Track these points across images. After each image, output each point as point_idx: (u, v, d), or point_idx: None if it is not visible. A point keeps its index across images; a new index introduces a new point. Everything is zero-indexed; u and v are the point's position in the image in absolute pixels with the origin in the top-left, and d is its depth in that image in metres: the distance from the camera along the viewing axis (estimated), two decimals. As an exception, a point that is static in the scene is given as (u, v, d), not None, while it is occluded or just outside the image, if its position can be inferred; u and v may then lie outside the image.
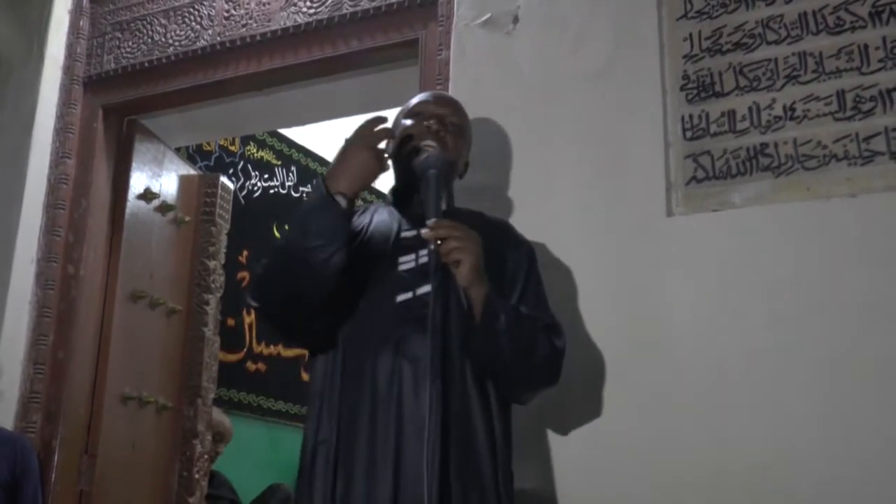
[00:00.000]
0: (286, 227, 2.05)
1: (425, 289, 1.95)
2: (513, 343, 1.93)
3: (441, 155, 2.06)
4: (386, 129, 2.04)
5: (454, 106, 2.27)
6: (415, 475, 1.80)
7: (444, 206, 1.97)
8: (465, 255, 1.86)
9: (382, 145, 2.02)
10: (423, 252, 1.99)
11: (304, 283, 1.94)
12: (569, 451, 2.41)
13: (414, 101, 2.27)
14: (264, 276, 2.03)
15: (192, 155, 5.12)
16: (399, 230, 2.11)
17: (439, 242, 1.86)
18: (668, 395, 2.34)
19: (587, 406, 2.41)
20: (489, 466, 1.93)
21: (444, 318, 1.93)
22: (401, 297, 1.99)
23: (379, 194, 6.72)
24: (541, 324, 2.04)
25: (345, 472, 1.89)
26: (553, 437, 2.42)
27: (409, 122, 2.19)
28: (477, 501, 1.88)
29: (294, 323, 2.05)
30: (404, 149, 2.13)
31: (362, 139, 2.00)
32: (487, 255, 1.94)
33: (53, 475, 3.32)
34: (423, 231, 1.88)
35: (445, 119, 2.18)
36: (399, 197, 2.21)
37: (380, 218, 2.17)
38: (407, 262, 2.04)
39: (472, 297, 1.91)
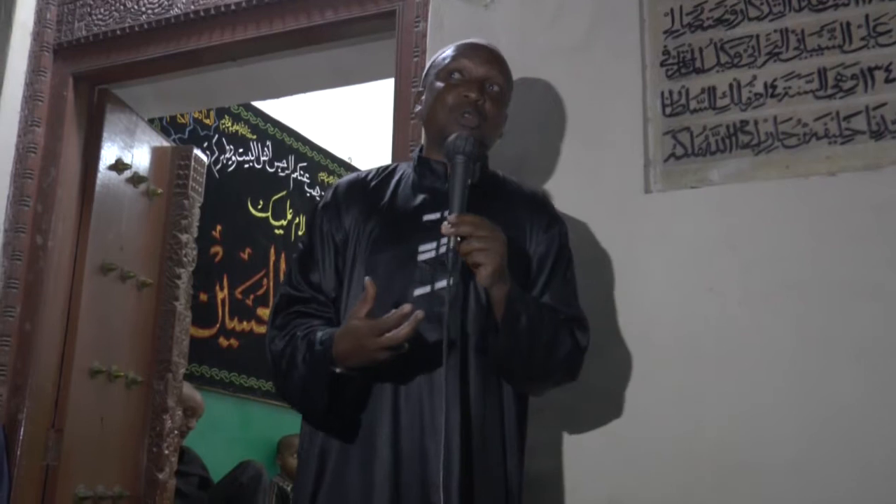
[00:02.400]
0: (290, 364, 1.87)
1: (442, 283, 1.82)
2: (533, 342, 1.82)
3: (472, 136, 1.86)
4: (403, 333, 1.69)
5: (498, 63, 2.04)
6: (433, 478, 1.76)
7: (471, 181, 1.80)
8: (488, 257, 1.71)
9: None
10: (445, 241, 1.79)
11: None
12: (540, 429, 2.38)
13: (451, 52, 2.05)
14: (275, 381, 1.94)
15: (165, 127, 5.06)
16: (421, 211, 1.95)
17: (459, 239, 1.71)
18: (642, 373, 2.32)
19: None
20: (500, 463, 1.87)
21: (462, 317, 1.84)
22: (418, 292, 1.85)
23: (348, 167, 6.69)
24: (563, 317, 1.92)
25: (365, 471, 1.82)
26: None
27: (441, 84, 2.00)
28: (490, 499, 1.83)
29: None
30: (438, 114, 1.98)
31: (376, 340, 1.70)
32: (514, 230, 1.84)
33: (19, 450, 3.26)
34: (444, 227, 1.71)
35: (486, 84, 1.99)
36: (424, 161, 2.03)
37: (403, 191, 2.01)
38: (427, 251, 1.88)
39: (493, 297, 1.79)
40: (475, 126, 1.94)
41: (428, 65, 2.15)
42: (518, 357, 1.83)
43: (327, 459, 1.87)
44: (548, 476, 2.35)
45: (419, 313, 1.67)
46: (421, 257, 1.89)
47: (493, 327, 1.84)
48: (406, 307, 1.68)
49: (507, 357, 1.84)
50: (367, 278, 1.74)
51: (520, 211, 2.02)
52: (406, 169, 2.08)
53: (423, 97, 2.08)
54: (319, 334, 1.82)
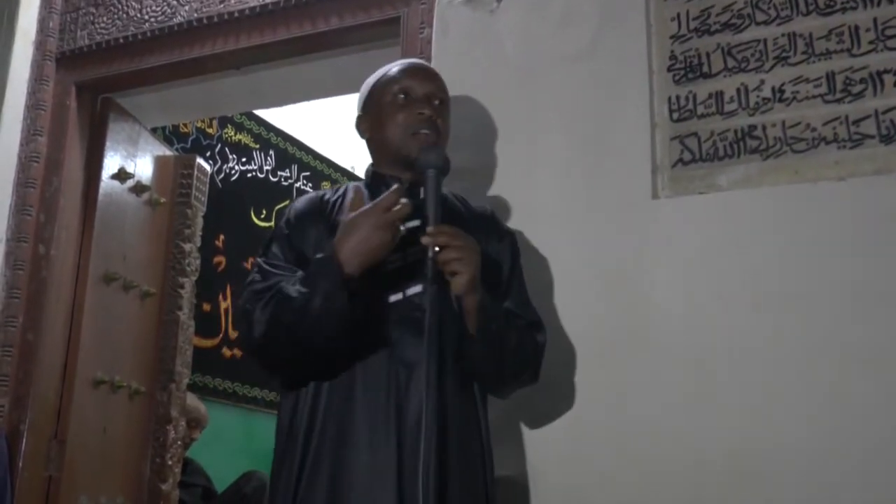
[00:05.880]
0: (294, 291, 1.86)
1: (415, 289, 1.90)
2: (503, 347, 1.91)
3: (440, 150, 1.94)
4: (406, 208, 1.82)
5: (438, 78, 2.13)
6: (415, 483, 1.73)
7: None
8: (465, 266, 1.79)
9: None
10: (413, 250, 1.87)
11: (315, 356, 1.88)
12: (550, 438, 2.37)
13: (393, 72, 2.11)
14: (267, 346, 1.88)
15: (168, 137, 5.05)
16: None
17: (437, 249, 1.78)
18: (650, 381, 2.30)
19: (568, 392, 2.37)
20: (480, 468, 1.93)
21: (438, 322, 1.84)
22: (392, 298, 1.91)
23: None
24: (525, 322, 2.02)
25: (337, 483, 1.82)
26: (533, 424, 2.38)
27: (390, 105, 2.05)
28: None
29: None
30: (392, 133, 2.03)
31: (381, 217, 1.81)
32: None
33: (21, 460, 3.24)
34: (423, 238, 1.78)
35: (433, 99, 2.06)
36: (378, 177, 2.08)
37: (363, 205, 2.01)
38: (394, 262, 1.90)
39: (467, 305, 1.84)
40: (434, 141, 2.01)
41: (367, 88, 2.15)
42: (491, 361, 1.92)
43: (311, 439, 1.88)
44: (555, 486, 2.33)
45: (399, 188, 1.85)
46: (390, 266, 1.90)
47: (467, 336, 1.88)
48: (395, 186, 1.87)
49: (482, 362, 1.92)
50: (395, 186, 1.88)
51: (473, 226, 2.04)
52: (358, 187, 2.12)
53: (368, 118, 2.12)
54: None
